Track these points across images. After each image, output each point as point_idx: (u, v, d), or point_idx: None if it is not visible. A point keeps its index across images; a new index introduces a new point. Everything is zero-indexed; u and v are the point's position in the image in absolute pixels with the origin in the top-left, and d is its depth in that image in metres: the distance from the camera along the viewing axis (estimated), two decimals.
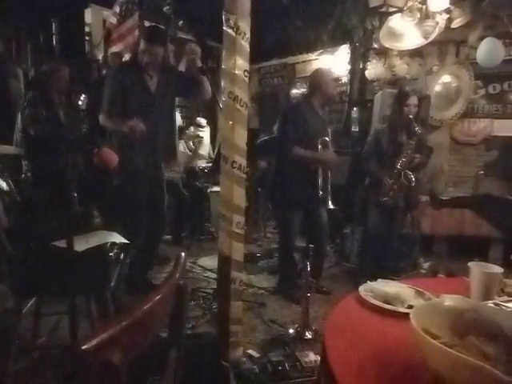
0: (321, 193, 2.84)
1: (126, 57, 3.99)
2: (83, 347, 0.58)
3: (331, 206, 2.84)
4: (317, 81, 2.97)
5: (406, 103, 3.06)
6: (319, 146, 2.86)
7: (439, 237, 3.96)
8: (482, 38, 3.76)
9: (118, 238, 1.81)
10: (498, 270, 1.15)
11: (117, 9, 4.03)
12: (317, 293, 2.90)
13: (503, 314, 0.87)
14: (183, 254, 0.98)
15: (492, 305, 1.06)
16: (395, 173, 3.06)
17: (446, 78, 4.56)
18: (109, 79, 2.69)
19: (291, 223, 2.99)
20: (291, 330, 2.43)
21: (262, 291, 3.14)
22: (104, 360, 0.61)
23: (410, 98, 3.07)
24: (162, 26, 3.77)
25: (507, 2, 3.22)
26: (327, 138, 2.89)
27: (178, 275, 0.91)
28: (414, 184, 3.05)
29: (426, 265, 3.60)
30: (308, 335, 2.36)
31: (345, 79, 5.33)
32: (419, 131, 3.02)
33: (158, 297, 0.78)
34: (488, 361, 0.70)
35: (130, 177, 2.65)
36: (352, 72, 5.06)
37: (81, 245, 1.62)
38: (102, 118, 2.60)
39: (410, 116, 3.03)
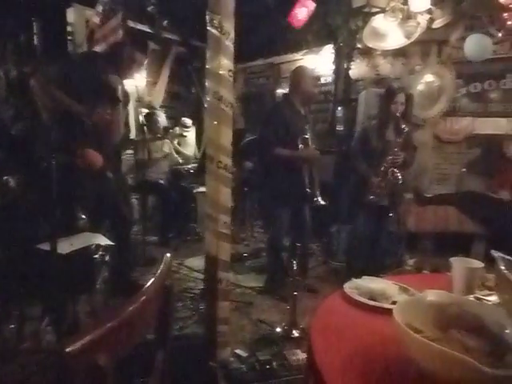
0: (308, 190, 2.86)
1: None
2: (68, 350, 0.58)
3: (322, 202, 2.86)
4: (297, 79, 2.99)
5: (394, 101, 3.06)
6: (300, 145, 2.88)
7: (424, 234, 4.00)
8: (463, 38, 3.83)
9: (103, 240, 1.79)
10: (478, 264, 1.17)
11: (100, 8, 3.99)
12: (304, 291, 2.91)
13: (484, 307, 0.89)
14: (169, 254, 0.98)
15: (473, 299, 1.08)
16: (382, 171, 3.08)
17: (429, 78, 4.63)
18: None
19: (279, 222, 3.00)
20: (279, 329, 2.44)
21: (250, 291, 3.14)
22: (89, 362, 0.60)
23: (398, 95, 3.07)
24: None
25: (486, 3, 3.29)
26: (307, 136, 2.90)
27: (164, 276, 0.91)
28: (400, 182, 3.08)
29: (411, 261, 3.65)
30: (295, 334, 2.38)
31: (329, 79, 5.37)
32: (406, 129, 3.03)
33: (144, 298, 0.77)
34: (470, 354, 0.72)
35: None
36: (336, 72, 5.09)
37: (65, 247, 1.60)
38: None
39: (398, 114, 3.04)
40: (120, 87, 2.63)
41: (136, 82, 3.77)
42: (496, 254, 0.86)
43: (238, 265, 3.70)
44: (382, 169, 3.07)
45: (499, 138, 4.37)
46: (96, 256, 1.72)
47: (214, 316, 2.05)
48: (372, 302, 1.10)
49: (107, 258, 1.88)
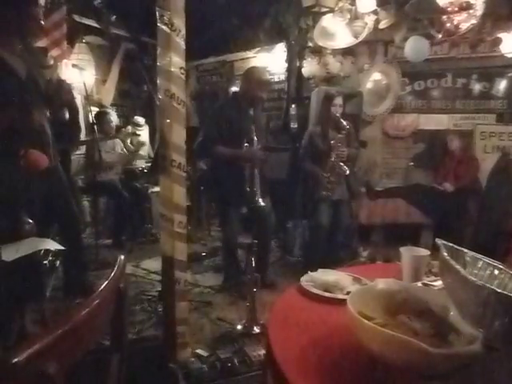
0: (248, 189, 2.85)
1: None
2: (14, 360, 0.55)
3: (261, 203, 2.85)
4: (247, 80, 3.00)
5: (333, 103, 3.28)
6: (245, 144, 2.88)
7: (376, 226, 4.19)
8: (406, 39, 4.01)
9: (52, 245, 1.71)
10: (425, 252, 1.24)
11: (42, 1, 3.78)
12: (263, 288, 2.92)
13: (430, 292, 0.94)
14: (122, 256, 0.96)
15: (421, 285, 1.14)
16: (329, 166, 3.23)
17: (377, 76, 4.81)
18: None
19: (230, 220, 3.01)
20: (239, 326, 2.45)
21: (208, 290, 3.13)
22: (38, 371, 0.58)
23: (336, 98, 3.31)
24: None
25: (426, 7, 3.46)
26: (252, 136, 2.91)
27: (117, 279, 0.89)
28: (347, 173, 3.24)
29: (364, 253, 3.80)
30: (256, 330, 2.40)
31: (282, 77, 5.44)
32: (347, 126, 3.22)
33: (96, 302, 0.75)
34: (417, 336, 0.76)
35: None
36: (289, 70, 5.17)
37: (10, 254, 1.51)
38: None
39: (337, 114, 3.24)
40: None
41: (84, 80, 3.62)
42: (440, 241, 0.92)
43: (196, 264, 3.68)
44: (330, 165, 3.21)
45: (442, 133, 4.64)
46: (45, 262, 1.64)
47: (173, 317, 2.02)
48: (327, 294, 1.13)
49: (57, 263, 1.80)
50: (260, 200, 2.85)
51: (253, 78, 2.97)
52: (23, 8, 2.21)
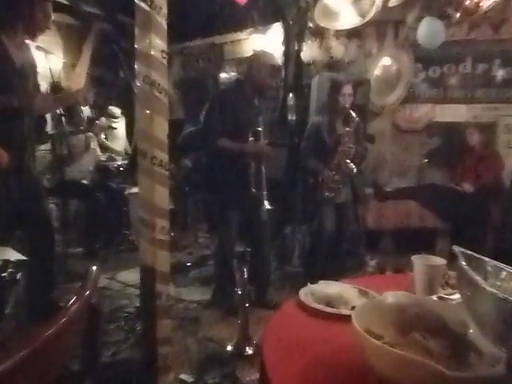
0: (254, 190, 2.85)
1: None
2: None
3: (267, 206, 2.82)
4: (253, 66, 2.99)
5: (341, 93, 3.25)
6: (250, 138, 2.88)
7: (385, 231, 4.21)
8: (419, 19, 4.04)
9: (13, 255, 1.70)
10: (440, 262, 1.25)
11: None
12: (258, 303, 2.92)
13: (446, 307, 0.95)
14: (94, 267, 0.96)
15: (436, 299, 1.15)
16: (335, 164, 3.22)
17: (386, 61, 4.84)
18: None
19: (227, 225, 2.99)
20: (229, 347, 2.45)
21: (195, 305, 3.13)
22: None
23: (344, 86, 3.27)
24: None
25: None
26: (259, 129, 2.91)
27: (89, 293, 0.89)
28: (354, 173, 3.24)
29: (372, 262, 3.81)
30: (249, 351, 2.39)
31: (279, 62, 5.44)
32: (356, 119, 3.21)
33: (65, 320, 0.75)
34: (432, 357, 0.76)
35: None
36: (286, 54, 5.18)
37: None
38: None
39: (347, 105, 3.21)
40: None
41: (50, 64, 3.59)
42: (457, 249, 0.92)
43: (180, 276, 3.67)
44: (335, 162, 3.21)
45: (460, 126, 4.66)
46: (4, 274, 1.63)
47: (154, 337, 2.01)
48: (329, 309, 1.13)
49: (19, 276, 1.79)
50: (266, 202, 2.83)
51: (260, 63, 2.97)
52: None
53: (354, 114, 3.21)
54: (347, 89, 3.27)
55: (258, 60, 3.01)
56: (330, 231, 3.34)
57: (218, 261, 3.18)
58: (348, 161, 3.23)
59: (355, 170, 3.24)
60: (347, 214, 3.44)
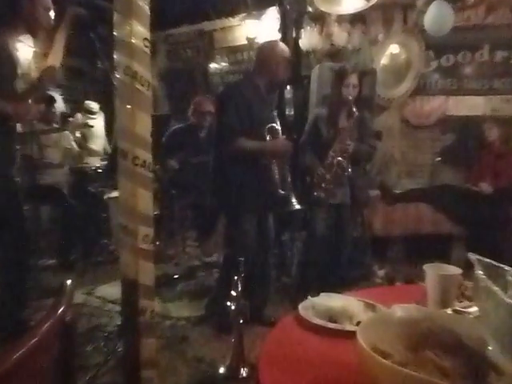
0: (282, 192, 2.87)
1: None
2: None
3: (297, 206, 2.87)
4: (264, 57, 3.01)
5: (345, 83, 3.26)
6: (267, 135, 2.91)
7: (394, 238, 4.22)
8: (430, 2, 4.07)
9: None
10: (455, 271, 1.25)
11: None
12: (256, 323, 2.90)
13: (462, 321, 0.95)
14: (69, 281, 0.95)
15: (451, 312, 1.15)
16: (328, 162, 3.23)
17: (394, 49, 4.87)
18: None
19: (245, 233, 2.99)
20: (222, 369, 2.43)
21: (183, 322, 3.13)
22: None
23: (349, 76, 3.28)
24: None
25: None
26: (275, 125, 2.94)
27: (62, 310, 0.88)
28: (348, 173, 3.24)
29: (380, 272, 3.82)
30: (243, 373, 2.38)
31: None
32: (356, 113, 3.20)
33: (35, 340, 0.74)
34: (446, 377, 0.77)
35: None
36: (283, 42, 5.19)
37: None
38: None
39: (350, 97, 3.21)
40: None
41: (19, 54, 3.58)
42: (473, 256, 0.93)
43: (167, 290, 3.67)
44: (328, 160, 3.22)
45: (477, 120, 4.68)
46: None
47: (137, 358, 2.00)
48: (332, 325, 1.13)
49: None
50: (295, 202, 2.87)
51: (272, 55, 2.99)
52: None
53: (354, 109, 3.21)
54: (352, 79, 3.28)
55: (268, 52, 3.03)
56: (321, 236, 3.36)
57: (225, 270, 3.15)
58: (341, 159, 3.23)
59: (350, 170, 3.24)
60: (345, 218, 3.44)
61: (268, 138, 2.91)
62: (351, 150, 3.24)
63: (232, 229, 3.12)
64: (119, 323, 2.70)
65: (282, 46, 3.17)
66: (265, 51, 3.06)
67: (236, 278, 2.56)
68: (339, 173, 3.26)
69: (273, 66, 2.97)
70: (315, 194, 3.27)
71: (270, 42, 3.28)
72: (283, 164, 2.96)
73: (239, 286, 2.53)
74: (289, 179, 2.93)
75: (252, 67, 3.17)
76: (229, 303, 2.55)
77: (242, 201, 2.95)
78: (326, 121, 3.40)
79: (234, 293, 2.50)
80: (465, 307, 1.22)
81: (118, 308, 3.05)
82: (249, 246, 3.03)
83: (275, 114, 3.01)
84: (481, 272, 0.86)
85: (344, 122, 3.33)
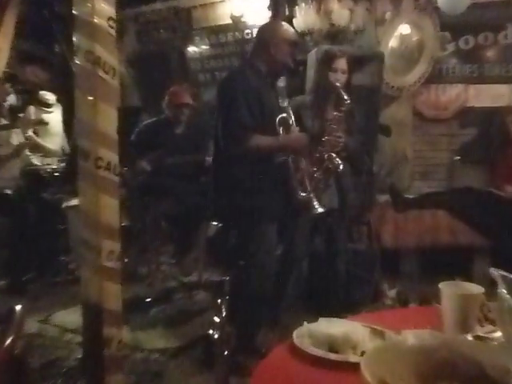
0: (301, 194, 2.90)
1: None
2: None
3: (319, 209, 2.91)
4: (267, 40, 3.03)
5: (332, 67, 3.31)
6: (280, 128, 2.93)
7: (406, 251, 4.24)
8: None
9: None
10: (477, 290, 1.26)
11: None
12: (244, 353, 2.89)
13: (484, 349, 0.96)
14: (19, 306, 0.95)
15: (471, 338, 1.16)
16: (317, 158, 3.24)
17: (404, 29, 4.89)
18: None
19: (270, 241, 2.99)
20: None
21: (157, 355, 3.11)
22: None
23: (337, 60, 3.33)
24: None
25: None
26: (286, 115, 2.97)
27: (11, 341, 0.88)
28: (341, 170, 3.25)
29: (391, 292, 3.83)
30: None
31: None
32: (348, 101, 3.22)
33: None
34: None
35: None
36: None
37: None
38: None
39: (338, 84, 3.26)
40: None
41: None
42: (497, 272, 0.93)
43: (137, 316, 3.64)
44: (317, 155, 3.24)
45: (501, 112, 4.71)
46: None
47: None
48: (332, 355, 1.13)
49: None
50: (317, 204, 2.89)
51: (275, 36, 3.02)
52: None
53: (345, 96, 3.22)
54: (341, 63, 3.32)
55: (271, 33, 3.06)
56: (305, 249, 3.37)
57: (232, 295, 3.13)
58: (334, 155, 3.22)
59: (341, 166, 3.25)
60: (335, 226, 3.45)
61: (280, 131, 2.94)
62: (343, 145, 3.25)
63: (246, 242, 3.08)
64: (80, 356, 2.69)
65: (287, 26, 3.20)
66: (267, 32, 3.09)
67: (219, 300, 2.56)
68: (332, 170, 3.26)
69: (276, 49, 2.99)
70: (300, 196, 3.24)
71: (273, 21, 3.31)
72: (299, 161, 2.98)
73: (223, 310, 2.53)
74: (307, 179, 2.97)
75: (252, 50, 3.20)
76: (211, 331, 2.56)
77: (258, 208, 2.94)
78: (310, 110, 3.42)
79: (216, 319, 2.50)
80: (488, 332, 1.22)
81: (78, 338, 3.03)
82: (270, 261, 3.02)
83: (286, 103, 3.03)
84: (505, 291, 0.87)
85: (332, 112, 3.34)
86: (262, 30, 3.19)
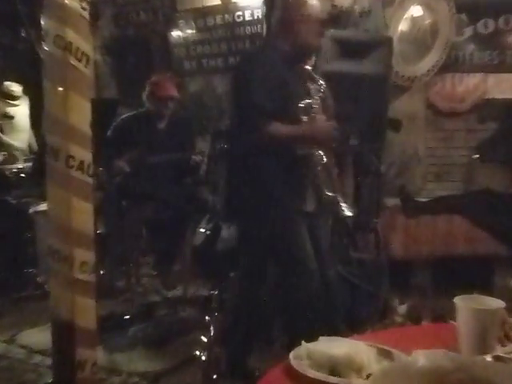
0: (328, 193, 2.88)
1: None
2: None
3: (348, 212, 2.88)
4: (289, 15, 3.02)
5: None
6: (303, 116, 2.90)
7: (419, 261, 4.25)
8: None
9: None
10: (497, 305, 1.26)
11: None
12: (235, 377, 2.90)
13: (504, 371, 0.96)
14: None
15: (490, 359, 1.16)
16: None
17: (416, 11, 4.91)
18: None
19: (303, 239, 2.98)
20: None
21: (137, 379, 3.12)
22: None
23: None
24: None
25: None
26: (311, 101, 2.93)
27: None
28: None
29: (401, 308, 3.83)
30: None
31: (258, 14, 5.49)
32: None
33: None
34: None
35: None
36: (269, 2, 5.23)
37: None
38: None
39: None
40: None
41: None
42: None
43: (114, 335, 3.63)
44: None
45: None
46: None
47: None
48: (333, 379, 1.13)
49: None
50: (345, 206, 2.87)
51: (302, 12, 3.00)
52: None
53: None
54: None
55: (298, 9, 3.02)
56: (329, 251, 3.38)
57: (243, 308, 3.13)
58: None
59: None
60: (319, 231, 3.46)
61: (303, 119, 2.90)
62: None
63: (277, 243, 3.05)
64: (50, 381, 2.69)
65: (314, 5, 3.16)
66: (290, 7, 3.06)
67: (207, 317, 2.57)
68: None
69: (301, 27, 2.99)
70: (326, 195, 3.24)
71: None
72: (326, 154, 2.94)
73: (211, 329, 2.54)
74: (334, 176, 2.96)
75: (273, 29, 3.21)
76: (198, 352, 2.57)
77: (288, 204, 2.94)
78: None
79: (204, 338, 2.51)
80: (509, 352, 1.23)
81: (48, 360, 3.04)
82: (309, 260, 2.98)
83: (313, 87, 2.97)
84: None
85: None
86: (284, 4, 3.19)
